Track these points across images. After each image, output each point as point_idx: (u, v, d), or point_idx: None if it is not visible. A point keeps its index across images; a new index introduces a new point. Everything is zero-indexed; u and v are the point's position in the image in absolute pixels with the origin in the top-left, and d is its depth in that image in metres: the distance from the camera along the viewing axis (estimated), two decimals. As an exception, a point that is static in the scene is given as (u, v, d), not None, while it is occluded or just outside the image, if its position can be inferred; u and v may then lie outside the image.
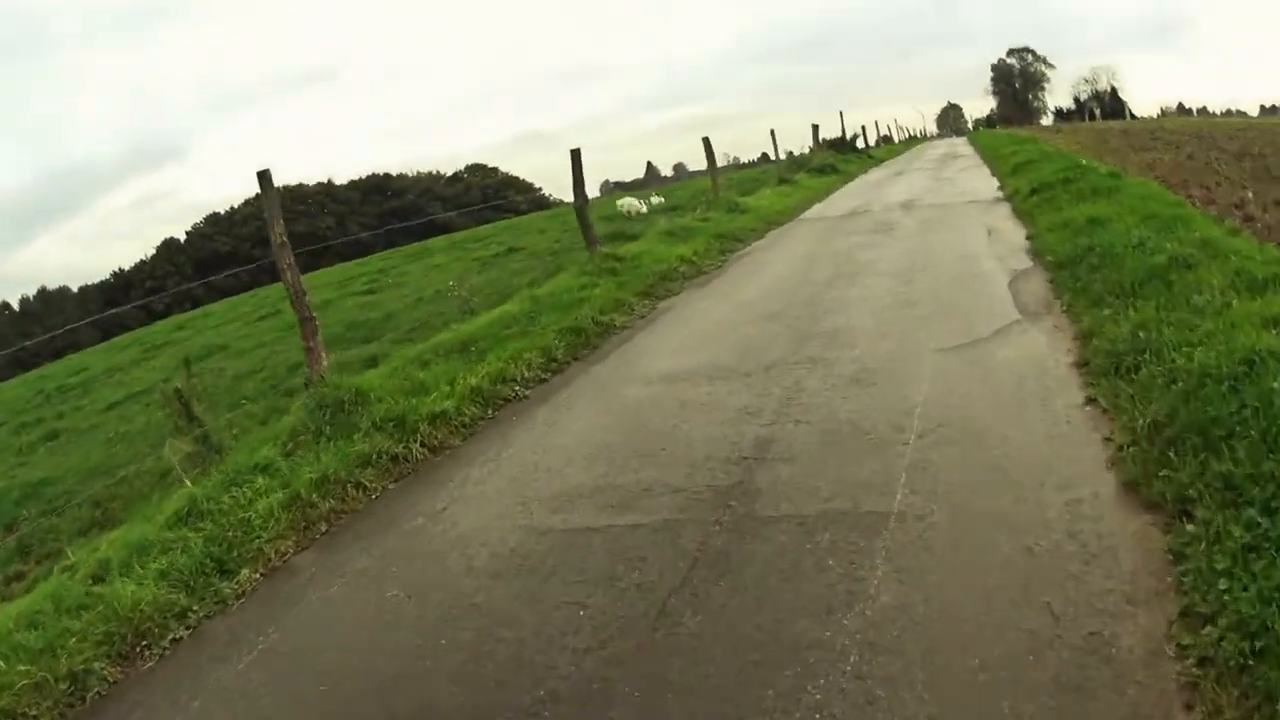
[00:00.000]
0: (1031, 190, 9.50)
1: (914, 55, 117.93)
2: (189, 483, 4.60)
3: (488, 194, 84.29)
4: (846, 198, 14.19)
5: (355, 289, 15.56)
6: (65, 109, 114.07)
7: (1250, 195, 8.11)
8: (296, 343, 12.37)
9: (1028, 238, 7.44)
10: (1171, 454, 2.82)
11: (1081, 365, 4.05)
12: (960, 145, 28.64)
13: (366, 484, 4.29)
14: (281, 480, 4.28)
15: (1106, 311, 4.55)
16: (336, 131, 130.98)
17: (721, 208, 12.10)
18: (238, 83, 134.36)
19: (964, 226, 8.70)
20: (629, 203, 18.12)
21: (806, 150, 22.98)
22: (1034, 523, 2.70)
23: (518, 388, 5.59)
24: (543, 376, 5.75)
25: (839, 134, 25.50)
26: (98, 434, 9.93)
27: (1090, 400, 3.62)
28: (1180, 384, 3.21)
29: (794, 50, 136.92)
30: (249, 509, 3.93)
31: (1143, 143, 18.37)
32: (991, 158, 17.87)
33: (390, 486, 4.27)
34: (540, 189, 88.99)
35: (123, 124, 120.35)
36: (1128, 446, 3.04)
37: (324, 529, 3.87)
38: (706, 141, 13.15)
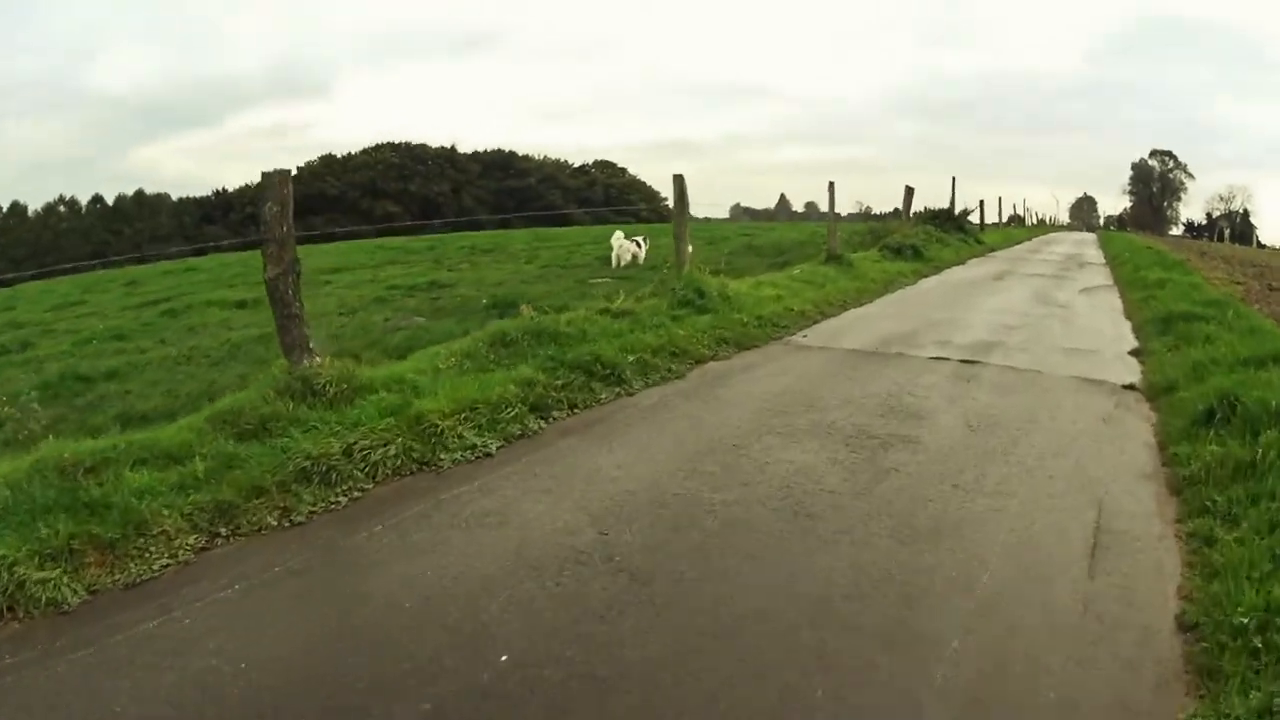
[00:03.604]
0: (1208, 414, 4.36)
1: (1058, 135, 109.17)
2: None
3: (611, 194, 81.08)
4: (898, 310, 9.15)
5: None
6: (217, 20, 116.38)
7: None
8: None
9: (1183, 604, 2.59)
10: None
11: None
12: (1089, 247, 22.53)
13: None
14: None
15: None
16: (470, 99, 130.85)
17: (671, 296, 7.37)
18: (389, 33, 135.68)
19: (1052, 471, 3.80)
20: (620, 243, 13.50)
21: (898, 213, 17.67)
22: None
23: None
24: None
25: (948, 204, 20.04)
26: None
27: None
28: None
29: (943, 108, 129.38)
30: None
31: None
32: (1126, 281, 12.33)
33: None
34: (665, 199, 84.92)
35: (272, 48, 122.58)
36: None
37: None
38: (679, 180, 8.24)
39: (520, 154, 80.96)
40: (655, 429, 4.53)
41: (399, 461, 3.89)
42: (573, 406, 4.94)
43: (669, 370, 5.71)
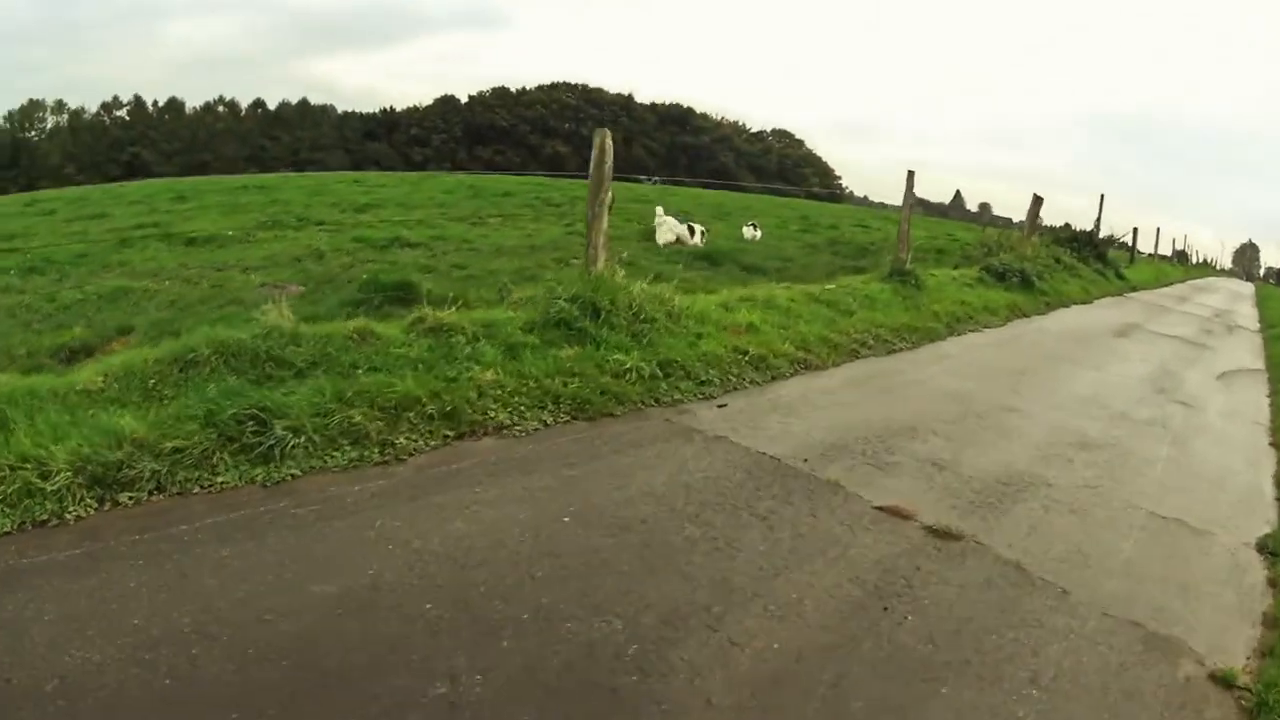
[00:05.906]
0: None
1: (1228, 176, 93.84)
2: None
3: (785, 164, 76.14)
4: (928, 374, 6.08)
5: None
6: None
7: None
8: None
9: None
10: None
11: None
12: (1244, 304, 17.50)
13: None
14: None
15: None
16: (650, 50, 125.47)
17: (547, 308, 4.80)
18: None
19: None
20: (667, 219, 10.96)
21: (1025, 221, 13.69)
22: None
23: None
24: None
25: (1092, 226, 15.79)
26: None
27: None
28: None
29: (1132, 132, 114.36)
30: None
31: None
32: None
33: None
34: (840, 178, 78.65)
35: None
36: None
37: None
38: (601, 134, 5.37)
39: (698, 111, 76.92)
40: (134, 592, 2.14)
41: None
42: (159, 489, 2.70)
43: (384, 449, 3.24)
